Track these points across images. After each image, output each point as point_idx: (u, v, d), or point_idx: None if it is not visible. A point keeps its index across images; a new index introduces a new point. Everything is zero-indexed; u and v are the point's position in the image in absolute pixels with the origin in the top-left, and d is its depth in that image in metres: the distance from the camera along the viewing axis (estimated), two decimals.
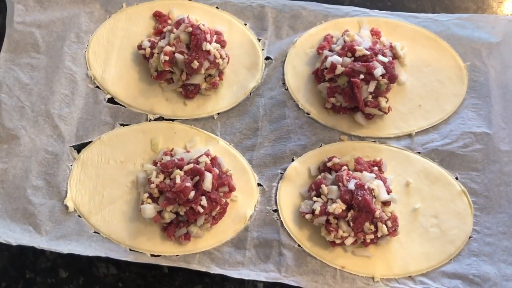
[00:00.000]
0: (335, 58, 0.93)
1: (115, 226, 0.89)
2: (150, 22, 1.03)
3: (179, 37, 0.94)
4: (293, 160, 0.95)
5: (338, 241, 0.85)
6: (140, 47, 0.97)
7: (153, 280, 0.89)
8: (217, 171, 0.87)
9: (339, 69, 0.92)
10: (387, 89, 0.94)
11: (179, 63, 0.93)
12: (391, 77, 0.92)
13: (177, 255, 0.87)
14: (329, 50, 0.97)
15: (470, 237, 0.90)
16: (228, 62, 0.97)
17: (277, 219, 0.90)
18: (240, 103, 0.99)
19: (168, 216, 0.85)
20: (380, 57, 0.92)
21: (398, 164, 0.94)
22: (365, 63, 0.91)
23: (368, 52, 0.92)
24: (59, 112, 0.96)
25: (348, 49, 0.93)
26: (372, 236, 0.85)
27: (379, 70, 0.90)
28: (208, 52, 0.93)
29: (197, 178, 0.85)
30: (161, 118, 0.97)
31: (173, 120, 0.97)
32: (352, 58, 0.93)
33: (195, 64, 0.91)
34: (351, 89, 0.91)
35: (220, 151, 0.94)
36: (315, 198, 0.88)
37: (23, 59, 0.98)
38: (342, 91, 0.93)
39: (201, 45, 0.92)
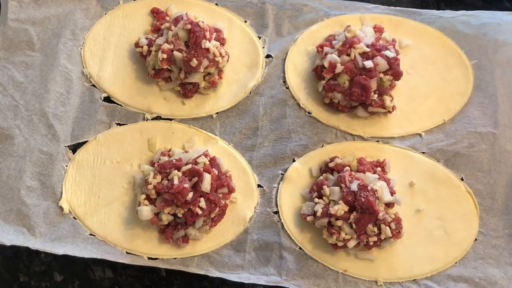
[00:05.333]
0: (333, 57, 0.91)
1: (112, 228, 0.87)
2: (147, 19, 1.01)
3: (177, 34, 0.92)
4: (294, 160, 0.93)
5: (340, 244, 0.83)
6: (137, 44, 0.95)
7: (150, 284, 0.88)
8: (216, 172, 0.86)
9: (339, 68, 0.90)
10: (391, 86, 0.92)
11: (177, 61, 0.91)
12: (395, 74, 0.90)
13: (175, 258, 0.86)
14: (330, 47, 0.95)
15: (475, 240, 0.88)
16: (227, 60, 0.96)
17: (278, 221, 0.89)
18: (240, 102, 0.97)
19: (165, 218, 0.84)
20: (386, 52, 0.90)
21: (402, 165, 0.92)
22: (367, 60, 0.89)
23: (368, 49, 0.90)
24: (54, 111, 0.94)
25: (349, 46, 0.91)
26: (375, 239, 0.83)
27: (382, 66, 0.89)
28: (207, 50, 0.91)
29: (195, 179, 0.83)
30: (158, 118, 0.96)
31: (171, 119, 0.95)
32: (352, 56, 0.91)
33: (194, 62, 0.90)
34: (357, 85, 0.89)
35: (219, 151, 0.92)
36: (316, 200, 0.86)
37: (17, 57, 0.97)
38: (342, 90, 0.91)
39: (200, 42, 0.90)
